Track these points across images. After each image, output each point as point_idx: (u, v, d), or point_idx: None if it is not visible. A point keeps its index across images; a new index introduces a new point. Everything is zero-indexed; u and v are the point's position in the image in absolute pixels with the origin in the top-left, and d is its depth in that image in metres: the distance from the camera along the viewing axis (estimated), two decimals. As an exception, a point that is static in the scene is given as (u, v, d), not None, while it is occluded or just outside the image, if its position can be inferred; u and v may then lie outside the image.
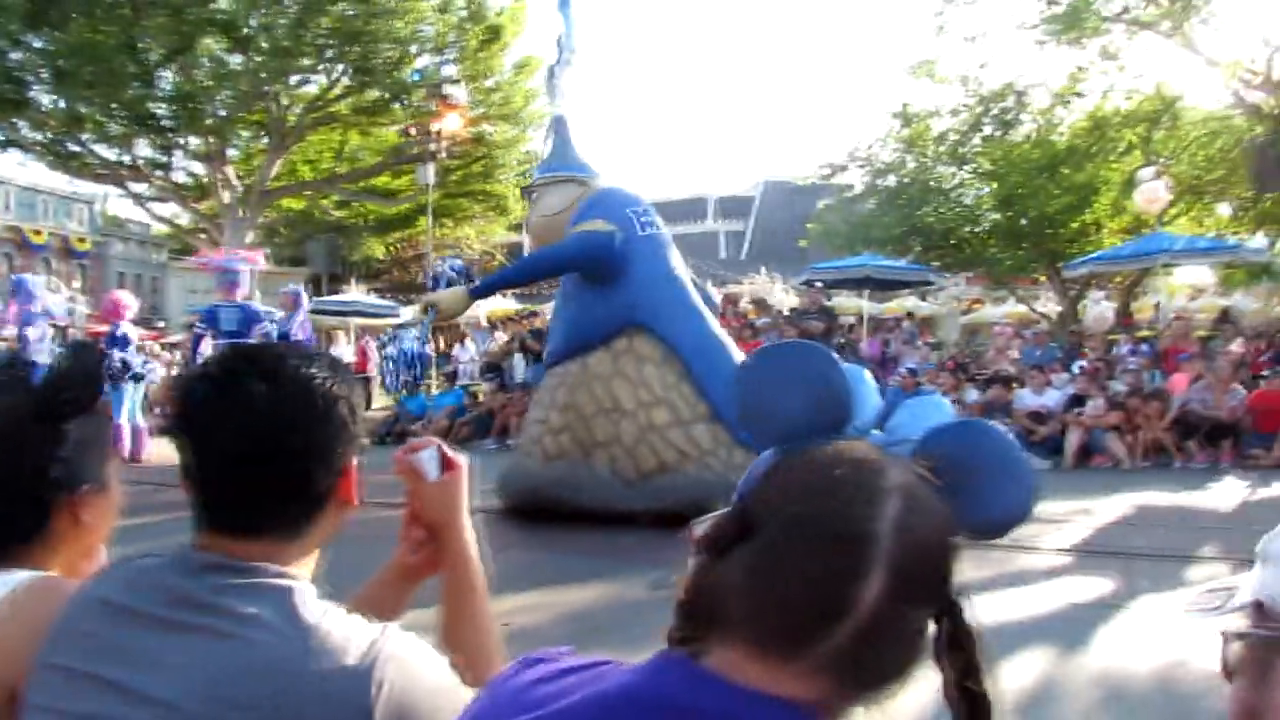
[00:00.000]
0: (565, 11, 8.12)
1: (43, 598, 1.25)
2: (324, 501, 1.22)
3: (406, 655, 1.12)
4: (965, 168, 21.89)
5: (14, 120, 21.57)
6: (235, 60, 21.97)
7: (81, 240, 38.91)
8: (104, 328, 12.46)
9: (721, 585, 0.87)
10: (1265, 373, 11.05)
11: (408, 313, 24.88)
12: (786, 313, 16.21)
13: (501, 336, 16.85)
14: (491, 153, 25.75)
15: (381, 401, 17.63)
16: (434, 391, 15.32)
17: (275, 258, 35.31)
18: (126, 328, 11.03)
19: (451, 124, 19.58)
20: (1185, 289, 21.76)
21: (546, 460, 7.09)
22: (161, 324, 32.42)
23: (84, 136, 22.64)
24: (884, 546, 0.83)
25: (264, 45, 21.18)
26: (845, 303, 21.25)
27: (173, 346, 17.45)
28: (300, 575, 1.18)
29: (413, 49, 22.99)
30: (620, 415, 6.92)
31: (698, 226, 44.97)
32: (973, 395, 11.65)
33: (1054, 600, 5.03)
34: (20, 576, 1.32)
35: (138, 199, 25.85)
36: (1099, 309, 18.25)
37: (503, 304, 21.43)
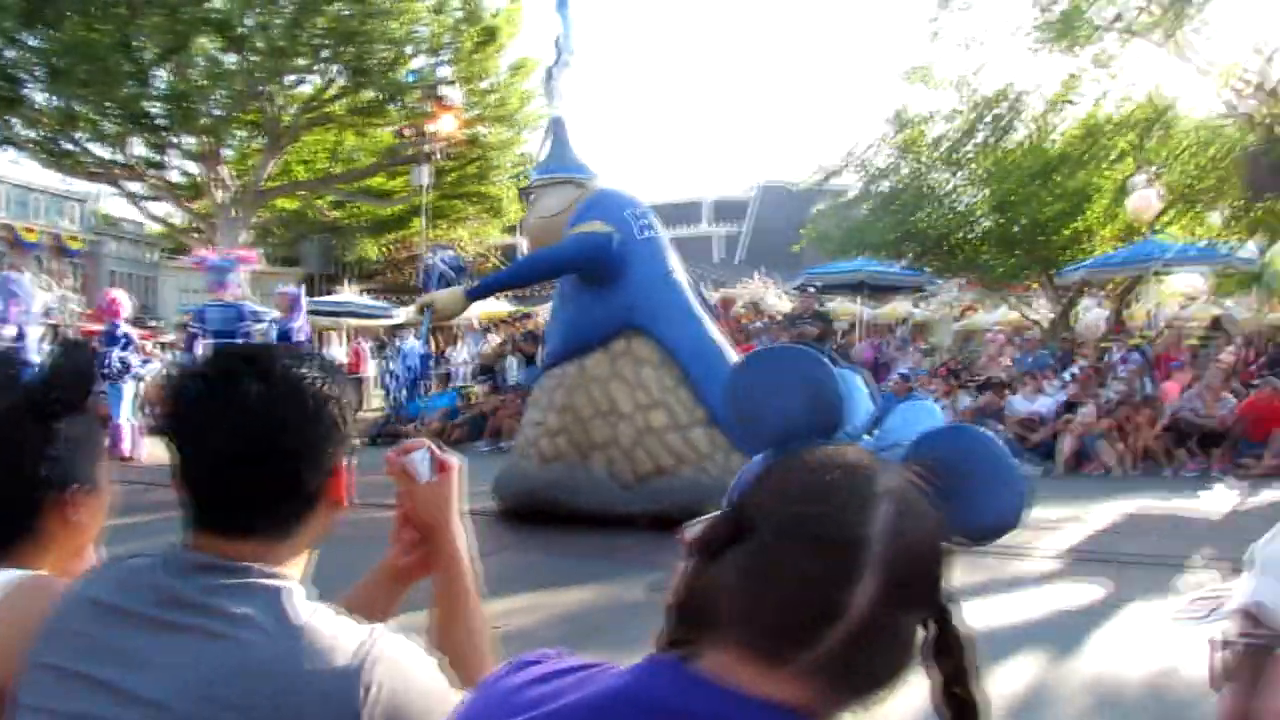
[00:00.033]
0: (563, 13, 8.08)
1: (33, 597, 1.24)
2: (315, 502, 1.21)
3: (397, 657, 1.12)
4: (960, 173, 21.93)
5: (8, 118, 21.48)
6: (230, 60, 21.92)
7: (75, 239, 38.82)
8: (97, 326, 12.41)
9: (713, 588, 0.87)
10: (1256, 380, 11.09)
11: (402, 314, 24.86)
12: (781, 317, 16.22)
13: (495, 338, 16.85)
14: (486, 154, 25.73)
15: (375, 402, 17.62)
16: (428, 393, 15.31)
17: (269, 258, 35.23)
18: (127, 327, 11.01)
19: (446, 125, 19.58)
20: (1177, 296, 21.83)
21: (543, 462, 7.08)
22: (155, 323, 32.31)
23: (78, 135, 22.56)
24: (875, 551, 0.83)
25: (259, 45, 21.13)
26: (840, 307, 21.31)
27: (166, 346, 17.40)
28: (291, 576, 1.18)
29: (408, 50, 22.96)
30: (618, 418, 6.91)
31: (693, 229, 44.97)
32: (966, 401, 11.67)
33: (1045, 606, 5.04)
34: (10, 575, 1.32)
35: (132, 198, 25.78)
36: (1092, 315, 18.30)
37: (497, 306, 21.41)
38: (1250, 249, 18.59)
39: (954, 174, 22.05)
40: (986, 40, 20.01)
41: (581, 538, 6.54)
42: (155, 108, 22.08)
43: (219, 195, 23.35)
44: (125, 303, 11.25)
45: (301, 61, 22.38)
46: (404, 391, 13.63)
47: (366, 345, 21.03)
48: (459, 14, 22.90)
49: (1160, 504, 8.22)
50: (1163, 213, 19.04)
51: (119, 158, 23.51)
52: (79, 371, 1.47)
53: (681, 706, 0.84)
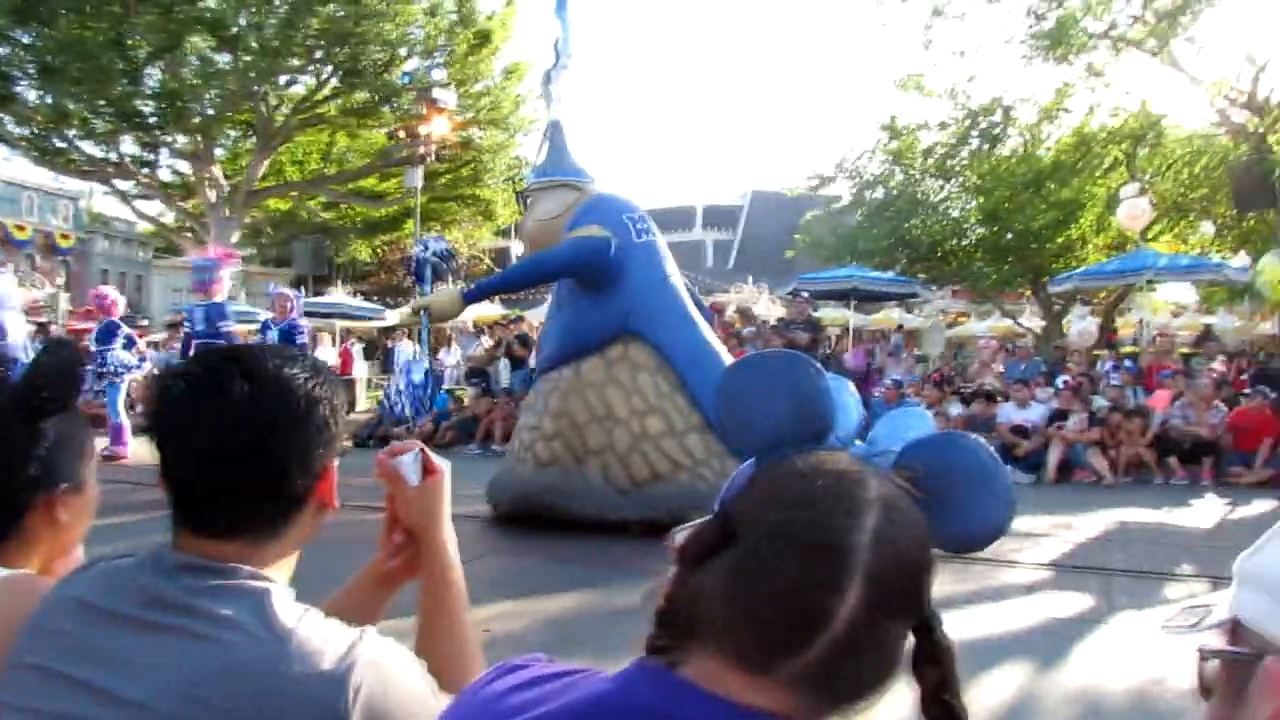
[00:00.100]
0: (562, 15, 8.01)
1: (17, 596, 1.24)
2: (302, 503, 1.21)
3: (383, 660, 1.11)
4: (952, 181, 22.03)
5: (-1, 115, 21.47)
6: (223, 59, 21.89)
7: (65, 237, 38.60)
8: (86, 325, 12.31)
9: (700, 594, 0.87)
10: (1246, 391, 11.12)
11: (394, 316, 24.85)
12: (772, 323, 16.23)
13: (487, 341, 16.80)
14: (479, 157, 25.74)
15: (364, 404, 17.58)
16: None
17: (260, 258, 35.22)
18: (126, 328, 10.98)
19: (439, 128, 19.54)
20: (1168, 306, 21.95)
21: (538, 467, 7.04)
22: (145, 322, 32.21)
23: (70, 132, 22.49)
24: (863, 558, 0.83)
25: (252, 45, 21.10)
26: (831, 314, 21.36)
27: (156, 345, 17.32)
28: (277, 578, 1.17)
29: (402, 52, 22.96)
30: (613, 423, 6.89)
31: (685, 236, 45.02)
32: (956, 409, 11.68)
33: (1033, 615, 5.04)
34: (-6, 575, 1.31)
35: (123, 196, 25.69)
36: (1082, 325, 18.37)
37: (488, 309, 21.40)
38: (1241, 260, 18.69)
39: (946, 182, 22.15)
40: (980, 49, 20.16)
41: (575, 543, 6.51)
42: (147, 106, 22.03)
43: (210, 195, 23.30)
44: (118, 300, 11.18)
45: (295, 62, 22.36)
46: (408, 409, 13.56)
47: (358, 348, 20.98)
48: (453, 17, 22.92)
49: (1149, 514, 8.24)
50: (1154, 223, 19.14)
51: (110, 156, 23.46)
52: (66, 371, 1.46)
53: (666, 713, 0.84)
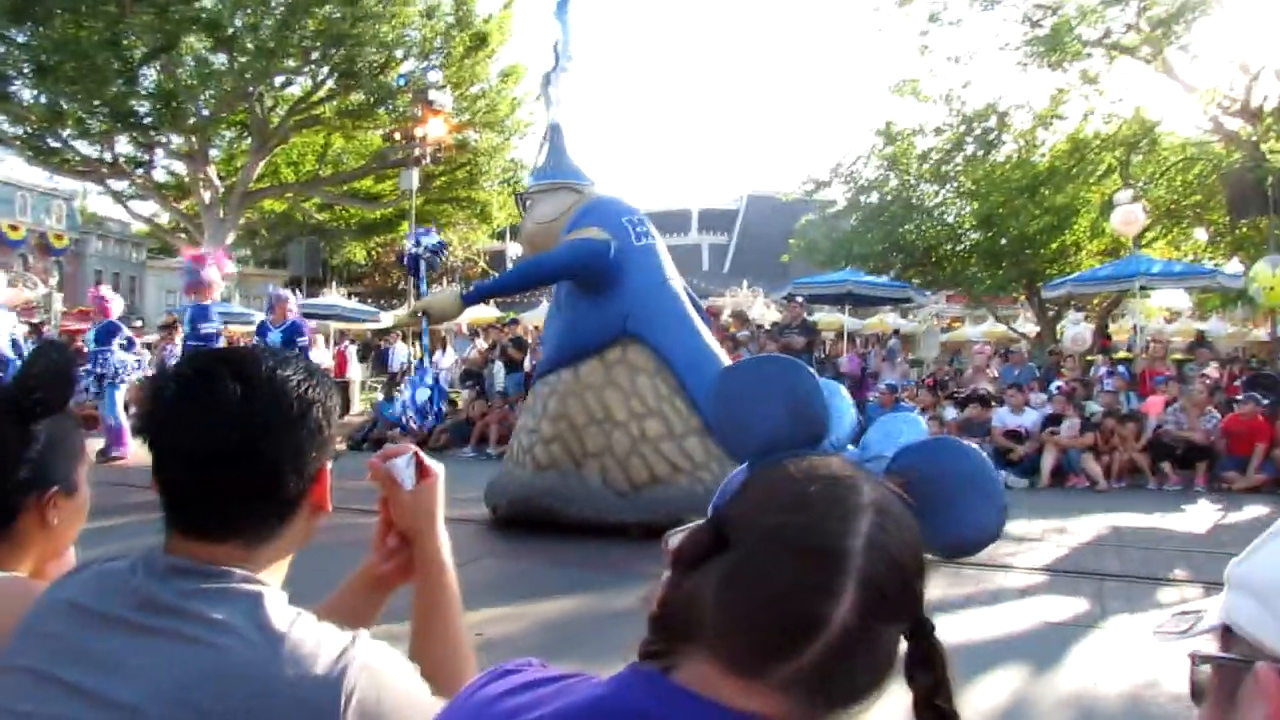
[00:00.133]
0: (563, 17, 7.98)
1: (8, 599, 1.23)
2: (295, 506, 1.20)
3: (377, 664, 1.11)
4: (947, 186, 22.06)
5: (-6, 114, 21.43)
6: (219, 60, 21.89)
7: (59, 237, 38.55)
8: (80, 325, 12.26)
9: (695, 598, 0.87)
10: (1239, 397, 11.14)
11: (389, 317, 24.81)
12: (768, 327, 16.24)
13: (482, 344, 16.79)
14: (475, 159, 25.74)
15: (359, 406, 17.56)
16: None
17: (255, 259, 35.21)
18: (125, 328, 10.95)
19: (436, 130, 19.54)
20: (1162, 312, 22.01)
21: (537, 469, 7.03)
22: (139, 323, 32.15)
23: (64, 132, 22.47)
24: (857, 563, 0.83)
25: (248, 45, 21.10)
26: (826, 318, 21.38)
27: (149, 346, 17.28)
28: (270, 581, 1.16)
29: (398, 53, 22.97)
30: (612, 426, 6.87)
31: (680, 239, 45.03)
32: (951, 413, 11.70)
33: (1027, 620, 5.05)
34: (-15, 577, 1.31)
35: (117, 196, 25.67)
36: (1077, 330, 18.42)
37: (484, 312, 21.38)
38: (1235, 267, 18.76)
39: (941, 187, 22.19)
40: (975, 55, 20.20)
41: (573, 546, 6.50)
42: (143, 106, 22.02)
43: (205, 195, 23.28)
44: (115, 300, 11.14)
45: (291, 63, 22.36)
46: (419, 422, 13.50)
47: (352, 349, 20.95)
48: (450, 19, 22.94)
49: (1142, 518, 8.25)
50: (1148, 229, 19.18)
51: (105, 156, 23.44)
52: (58, 372, 1.45)
53: (660, 718, 0.83)
